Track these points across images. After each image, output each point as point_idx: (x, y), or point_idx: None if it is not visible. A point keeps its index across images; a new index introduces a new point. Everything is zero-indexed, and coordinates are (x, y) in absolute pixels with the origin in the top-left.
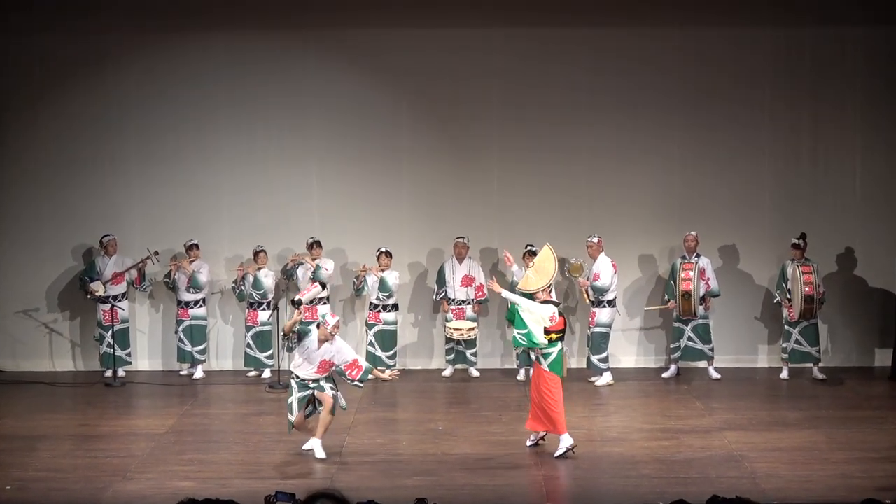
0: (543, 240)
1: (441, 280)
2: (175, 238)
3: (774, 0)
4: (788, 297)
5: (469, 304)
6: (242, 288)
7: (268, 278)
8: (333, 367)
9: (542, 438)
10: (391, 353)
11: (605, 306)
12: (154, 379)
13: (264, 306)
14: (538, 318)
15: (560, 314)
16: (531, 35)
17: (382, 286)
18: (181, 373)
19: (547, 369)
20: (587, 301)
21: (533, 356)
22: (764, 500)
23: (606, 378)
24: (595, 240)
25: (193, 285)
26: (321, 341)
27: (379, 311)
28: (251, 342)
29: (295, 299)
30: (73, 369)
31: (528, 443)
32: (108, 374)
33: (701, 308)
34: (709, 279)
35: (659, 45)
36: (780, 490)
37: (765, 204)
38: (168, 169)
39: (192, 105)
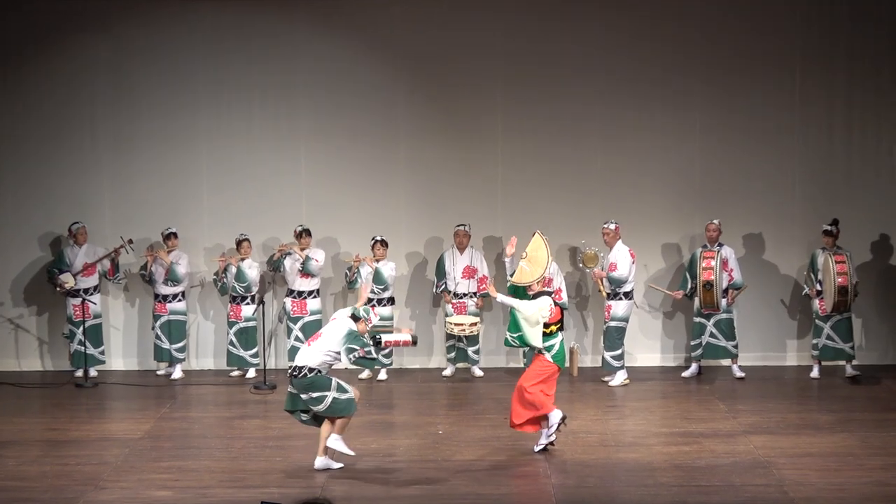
0: (552, 227)
1: (441, 271)
2: (151, 226)
3: None
4: (819, 288)
5: (471, 297)
6: (225, 280)
7: (252, 270)
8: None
9: (552, 443)
10: (387, 350)
11: (621, 299)
12: (129, 379)
13: (248, 300)
14: (537, 317)
15: (554, 304)
16: (539, 6)
17: (377, 278)
18: (158, 372)
19: (550, 360)
20: (602, 293)
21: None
22: None
23: (621, 377)
24: (612, 226)
25: (171, 278)
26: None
27: (374, 306)
28: (234, 339)
29: (376, 338)
30: (40, 369)
31: (536, 448)
32: (79, 373)
33: (724, 301)
34: (732, 270)
35: (678, 21)
36: (810, 499)
37: (793, 188)
38: (144, 152)
39: (170, 83)
